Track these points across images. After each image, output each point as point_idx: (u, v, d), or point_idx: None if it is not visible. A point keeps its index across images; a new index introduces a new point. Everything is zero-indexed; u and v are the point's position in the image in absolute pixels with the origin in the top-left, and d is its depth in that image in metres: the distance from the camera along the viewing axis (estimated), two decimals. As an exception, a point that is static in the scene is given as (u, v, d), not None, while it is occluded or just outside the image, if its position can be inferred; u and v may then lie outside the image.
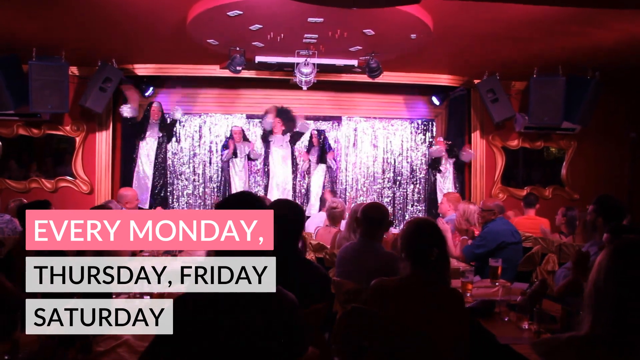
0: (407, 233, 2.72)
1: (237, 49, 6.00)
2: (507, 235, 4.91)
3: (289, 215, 2.83)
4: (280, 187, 7.80)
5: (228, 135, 8.03)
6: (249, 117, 8.37)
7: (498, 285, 3.89)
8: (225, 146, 7.92)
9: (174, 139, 8.10)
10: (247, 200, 1.98)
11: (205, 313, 1.73)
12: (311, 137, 8.17)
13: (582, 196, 7.99)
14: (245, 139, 7.96)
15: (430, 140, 8.61)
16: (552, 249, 5.66)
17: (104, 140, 7.46)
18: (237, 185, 7.82)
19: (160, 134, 7.56)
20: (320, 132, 8.32)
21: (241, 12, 4.94)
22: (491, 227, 4.93)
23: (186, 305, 1.76)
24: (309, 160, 8.18)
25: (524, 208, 6.81)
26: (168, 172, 7.89)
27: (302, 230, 2.99)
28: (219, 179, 8.25)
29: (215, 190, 8.29)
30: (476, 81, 7.66)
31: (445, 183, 7.95)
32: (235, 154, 7.83)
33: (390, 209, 8.46)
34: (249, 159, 8.00)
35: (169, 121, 7.69)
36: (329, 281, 3.00)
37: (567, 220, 5.81)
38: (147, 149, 7.51)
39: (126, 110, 7.22)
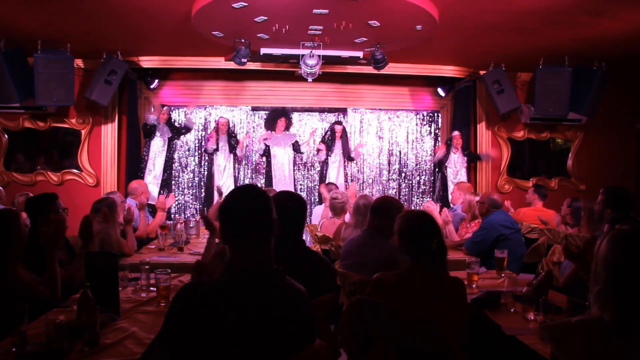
0: (404, 227, 2.76)
1: (242, 40, 5.98)
2: (506, 224, 4.92)
3: (290, 206, 2.84)
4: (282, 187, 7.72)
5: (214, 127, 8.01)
6: (254, 109, 8.36)
7: (504, 276, 3.90)
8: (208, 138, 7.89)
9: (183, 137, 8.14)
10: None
11: (211, 303, 1.73)
12: (334, 131, 8.12)
13: (589, 187, 7.98)
14: (231, 135, 7.94)
15: (436, 132, 8.58)
16: (558, 239, 5.65)
17: (109, 133, 7.47)
18: (220, 181, 7.74)
19: (170, 135, 7.70)
20: (339, 123, 8.22)
21: (246, 4, 4.92)
22: (490, 218, 4.93)
23: (191, 294, 1.76)
24: (325, 151, 8.03)
25: (537, 200, 6.73)
26: (174, 165, 7.94)
27: (304, 220, 3.00)
28: (200, 172, 8.24)
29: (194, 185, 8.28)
30: (482, 72, 7.63)
31: (457, 176, 7.89)
32: (217, 148, 7.77)
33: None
34: (233, 153, 7.95)
35: (176, 123, 7.78)
36: (334, 272, 3.01)
37: (572, 211, 5.78)
38: (156, 149, 7.63)
39: (152, 119, 7.47)
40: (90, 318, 2.33)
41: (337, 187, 7.07)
